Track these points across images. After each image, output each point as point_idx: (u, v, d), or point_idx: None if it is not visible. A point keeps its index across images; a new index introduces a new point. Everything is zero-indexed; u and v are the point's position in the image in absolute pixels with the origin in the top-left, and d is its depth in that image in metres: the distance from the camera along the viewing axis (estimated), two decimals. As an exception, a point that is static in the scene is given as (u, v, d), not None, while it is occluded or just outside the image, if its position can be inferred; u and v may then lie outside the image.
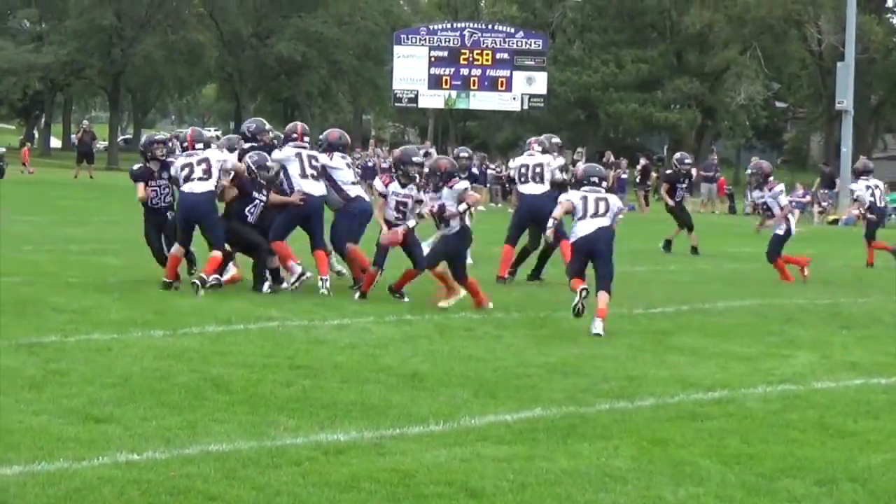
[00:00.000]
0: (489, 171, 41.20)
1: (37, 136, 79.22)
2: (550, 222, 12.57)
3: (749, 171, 18.64)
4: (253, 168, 13.86)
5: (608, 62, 60.22)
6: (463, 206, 13.03)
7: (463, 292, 13.20)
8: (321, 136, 14.82)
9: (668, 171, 21.69)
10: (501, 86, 50.44)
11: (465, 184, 13.25)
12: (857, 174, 21.34)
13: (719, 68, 58.45)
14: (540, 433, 7.44)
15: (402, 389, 8.60)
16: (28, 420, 7.27)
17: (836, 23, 50.85)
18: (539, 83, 50.78)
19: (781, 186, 17.91)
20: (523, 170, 16.27)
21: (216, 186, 13.57)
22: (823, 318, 13.47)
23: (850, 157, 42.16)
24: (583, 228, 12.08)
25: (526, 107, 51.47)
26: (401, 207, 13.50)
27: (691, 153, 50.86)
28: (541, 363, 9.86)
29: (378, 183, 13.77)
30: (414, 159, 13.61)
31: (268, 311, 12.10)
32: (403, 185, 13.48)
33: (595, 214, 12.08)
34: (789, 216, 17.61)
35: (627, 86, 59.45)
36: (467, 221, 13.19)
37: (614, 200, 12.31)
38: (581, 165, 13.77)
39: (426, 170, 13.47)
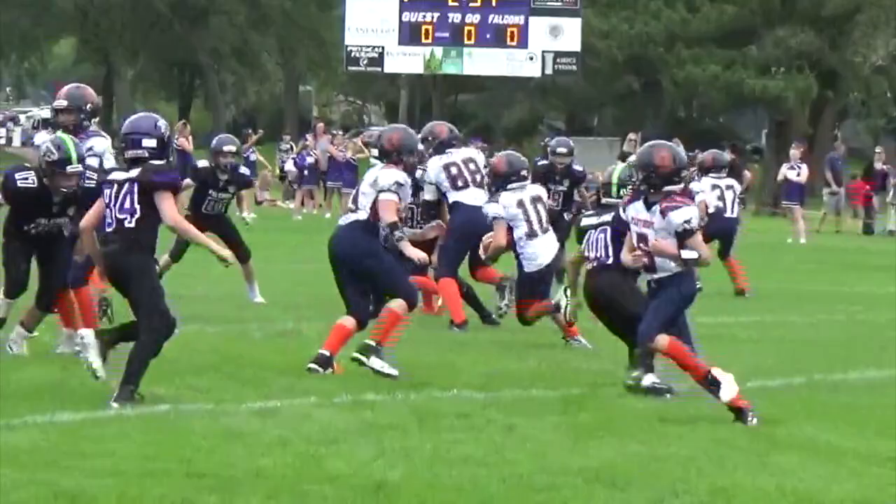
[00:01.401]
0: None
1: None
2: None
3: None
4: None
5: (675, 3, 60.57)
6: None
7: None
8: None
9: (542, 162, 21.33)
10: (512, 39, 50.71)
11: None
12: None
13: (844, 12, 58.76)
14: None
15: (360, 511, 8.53)
16: None
17: None
18: (569, 36, 51.05)
19: None
20: None
21: None
22: None
23: None
24: None
25: (550, 71, 51.73)
26: None
27: (804, 139, 51.41)
28: (576, 468, 9.84)
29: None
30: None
31: (152, 387, 11.99)
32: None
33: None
34: None
35: (705, 38, 59.76)
36: None
37: None
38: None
39: None
